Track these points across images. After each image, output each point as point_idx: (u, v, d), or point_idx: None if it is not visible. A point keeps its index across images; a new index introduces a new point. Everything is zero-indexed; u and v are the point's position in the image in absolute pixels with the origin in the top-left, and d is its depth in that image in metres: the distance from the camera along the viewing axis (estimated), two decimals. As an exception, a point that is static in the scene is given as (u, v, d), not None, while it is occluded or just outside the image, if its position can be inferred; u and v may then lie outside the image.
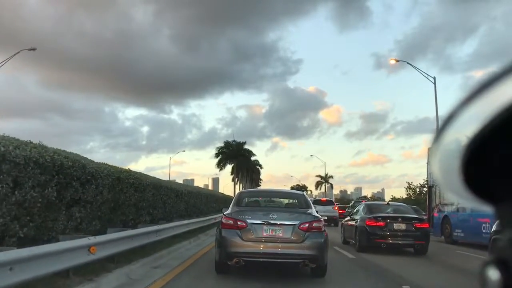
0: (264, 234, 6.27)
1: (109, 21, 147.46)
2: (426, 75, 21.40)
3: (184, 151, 69.94)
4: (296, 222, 6.33)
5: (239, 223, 6.31)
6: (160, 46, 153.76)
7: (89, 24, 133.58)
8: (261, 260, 6.31)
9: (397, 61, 24.57)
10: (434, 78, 21.41)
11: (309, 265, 6.40)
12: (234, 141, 57.64)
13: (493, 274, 0.51)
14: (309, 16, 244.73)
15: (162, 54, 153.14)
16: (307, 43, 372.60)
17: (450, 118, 0.52)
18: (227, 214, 6.65)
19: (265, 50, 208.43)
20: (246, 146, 58.12)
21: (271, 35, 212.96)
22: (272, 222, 6.30)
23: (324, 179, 69.22)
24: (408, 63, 22.87)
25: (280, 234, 6.27)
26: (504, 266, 0.51)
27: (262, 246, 6.24)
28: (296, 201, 7.84)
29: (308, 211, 6.85)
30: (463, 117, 0.50)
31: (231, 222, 6.39)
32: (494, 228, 7.92)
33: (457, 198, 0.56)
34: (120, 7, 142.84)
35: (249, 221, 6.31)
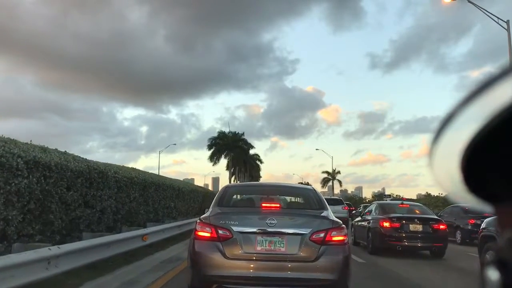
0: (258, 248, 4.66)
1: (106, 21, 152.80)
2: (496, 19, 18.28)
3: (175, 144, 69.86)
4: (307, 231, 4.71)
5: (220, 231, 4.68)
6: (157, 46, 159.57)
7: (86, 24, 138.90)
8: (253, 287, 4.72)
9: None
10: (508, 22, 17.99)
11: None
12: (230, 132, 54.20)
13: (493, 274, 0.54)
14: (303, 17, 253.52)
15: (159, 54, 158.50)
16: (303, 43, 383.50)
17: (449, 119, 0.55)
18: (203, 218, 4.96)
19: (261, 50, 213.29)
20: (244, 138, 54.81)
21: (266, 36, 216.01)
22: (270, 230, 4.69)
23: (332, 175, 68.46)
24: (469, 1, 18.07)
25: (282, 249, 4.68)
26: (504, 266, 0.53)
27: (254, 266, 4.65)
28: (304, 199, 6.21)
29: (323, 214, 5.14)
30: (462, 118, 0.53)
31: (208, 230, 4.73)
32: (483, 225, 8.12)
33: (457, 199, 0.62)
34: (116, 7, 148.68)
35: (235, 228, 4.69)
